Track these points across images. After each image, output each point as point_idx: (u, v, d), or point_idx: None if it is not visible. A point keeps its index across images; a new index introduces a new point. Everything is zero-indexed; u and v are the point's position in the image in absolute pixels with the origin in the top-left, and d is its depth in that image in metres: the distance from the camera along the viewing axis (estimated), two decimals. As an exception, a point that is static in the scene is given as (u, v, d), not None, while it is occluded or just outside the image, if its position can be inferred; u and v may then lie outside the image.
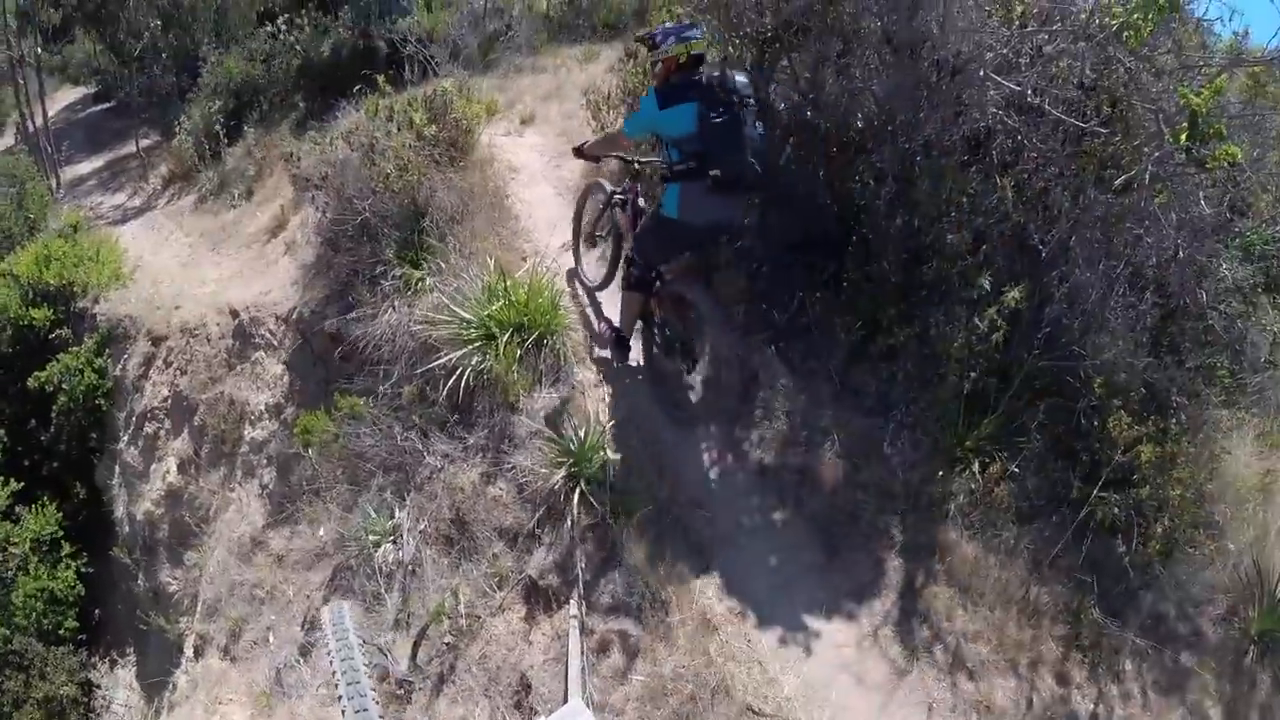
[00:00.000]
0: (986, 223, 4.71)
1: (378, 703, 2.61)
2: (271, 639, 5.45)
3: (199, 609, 5.99)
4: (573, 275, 5.53)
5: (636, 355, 4.90)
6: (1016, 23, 4.70)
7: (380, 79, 6.93)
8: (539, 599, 4.44)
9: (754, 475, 4.65)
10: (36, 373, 7.56)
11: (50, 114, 13.29)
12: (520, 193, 6.30)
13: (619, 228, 4.91)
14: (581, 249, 5.57)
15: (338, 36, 10.04)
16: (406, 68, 8.18)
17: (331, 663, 2.76)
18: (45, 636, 6.93)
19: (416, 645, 4.48)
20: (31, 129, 12.76)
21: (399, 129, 6.00)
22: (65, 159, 12.48)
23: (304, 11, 10.42)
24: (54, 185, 11.59)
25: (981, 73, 4.53)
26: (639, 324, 4.73)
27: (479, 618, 4.46)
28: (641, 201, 4.73)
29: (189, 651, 6.13)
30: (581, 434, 4.50)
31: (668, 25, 4.24)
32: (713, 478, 4.65)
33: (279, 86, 10.09)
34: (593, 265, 5.57)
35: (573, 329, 4.99)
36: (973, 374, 4.44)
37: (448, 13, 9.58)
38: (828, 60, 5.20)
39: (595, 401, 4.78)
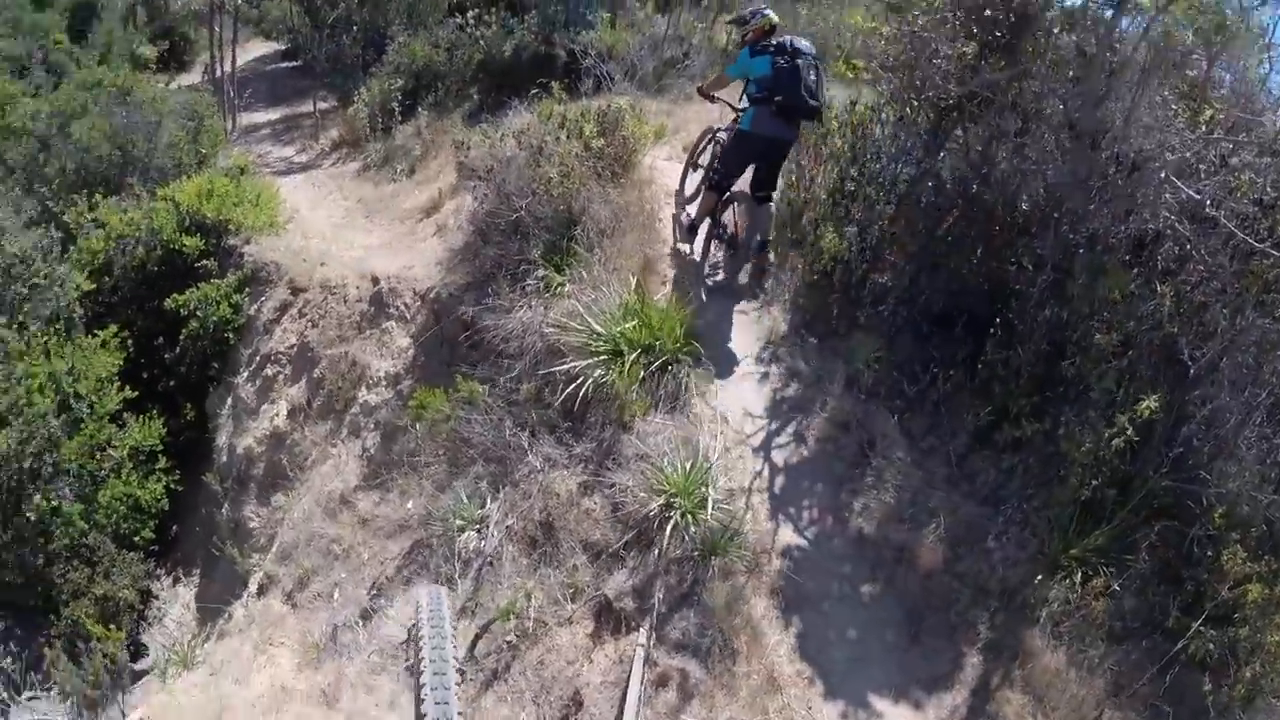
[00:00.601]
0: (1138, 328, 4.54)
1: (459, 698, 2.57)
2: (336, 595, 5.54)
3: (273, 550, 6.12)
4: (676, 193, 6.66)
5: (699, 244, 6.08)
6: (1203, 128, 4.57)
7: (555, 85, 7.20)
8: (609, 619, 4.40)
9: (852, 542, 4.53)
10: (176, 295, 7.87)
11: (238, 62, 14.00)
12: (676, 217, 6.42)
13: (714, 156, 6.13)
14: (688, 174, 6.67)
15: (521, 38, 10.38)
16: (582, 79, 8.41)
17: (421, 647, 2.73)
18: (120, 540, 7.12)
19: (478, 637, 4.50)
20: (219, 73, 13.59)
21: (568, 137, 6.20)
22: (244, 106, 13.18)
23: (493, 10, 10.86)
24: (230, 127, 12.21)
25: (1161, 174, 4.40)
26: (707, 221, 5.94)
27: (546, 624, 4.45)
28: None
29: (253, 588, 6.25)
30: (688, 466, 4.49)
31: (749, 9, 5.81)
32: (809, 537, 4.55)
33: (457, 76, 10.40)
34: (690, 184, 6.55)
35: (701, 360, 5.00)
36: (1094, 482, 4.26)
37: (629, 33, 9.80)
38: (1004, 136, 5.13)
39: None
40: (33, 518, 6.73)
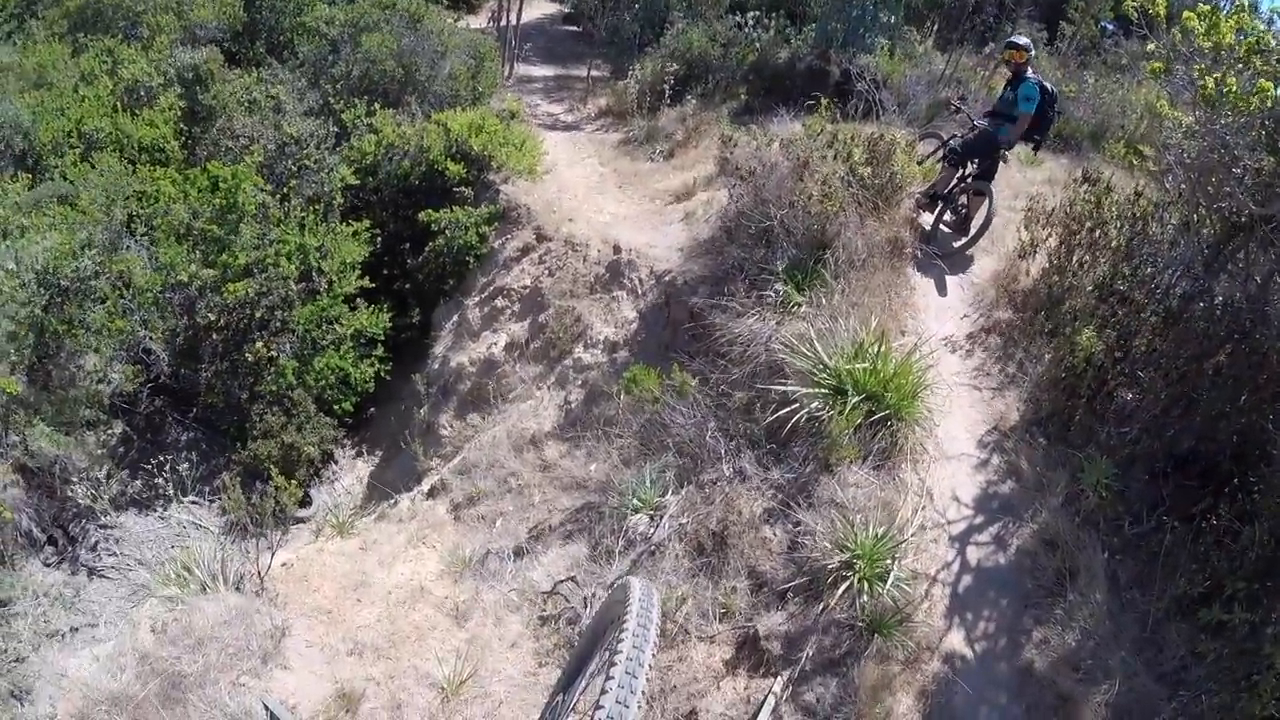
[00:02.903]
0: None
1: (641, 707, 2.33)
2: (498, 524, 5.53)
3: (455, 461, 6.20)
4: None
5: (932, 216, 6.52)
6: None
7: (824, 101, 6.85)
8: (751, 654, 4.10)
9: (1018, 672, 4.00)
10: (430, 211, 8.10)
11: (523, 17, 14.27)
12: (927, 266, 6.00)
13: (956, 140, 6.60)
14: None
15: (797, 48, 10.06)
16: (852, 100, 7.99)
17: (622, 637, 2.50)
18: (321, 404, 7.49)
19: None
20: (504, 22, 13.95)
21: (835, 158, 5.82)
22: (522, 57, 13.50)
23: (773, 15, 10.54)
24: (506, 74, 12.53)
25: None
26: (939, 203, 6.49)
27: (688, 634, 4.21)
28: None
29: (425, 487, 6.39)
30: (880, 532, 4.11)
31: (1017, 38, 6.39)
32: (977, 651, 4.06)
33: (729, 73, 10.16)
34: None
35: (924, 431, 4.57)
36: (1285, 700, 3.50)
37: (907, 65, 9.27)
38: (1295, 273, 4.32)
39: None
40: (250, 359, 7.19)
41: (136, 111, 9.10)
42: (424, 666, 4.46)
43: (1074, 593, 4.13)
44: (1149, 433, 4.54)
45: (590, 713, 2.26)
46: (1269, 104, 4.25)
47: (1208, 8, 4.55)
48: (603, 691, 2.30)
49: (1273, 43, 4.45)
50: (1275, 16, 4.76)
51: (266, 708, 4.09)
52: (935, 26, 10.65)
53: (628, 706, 2.27)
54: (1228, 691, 3.74)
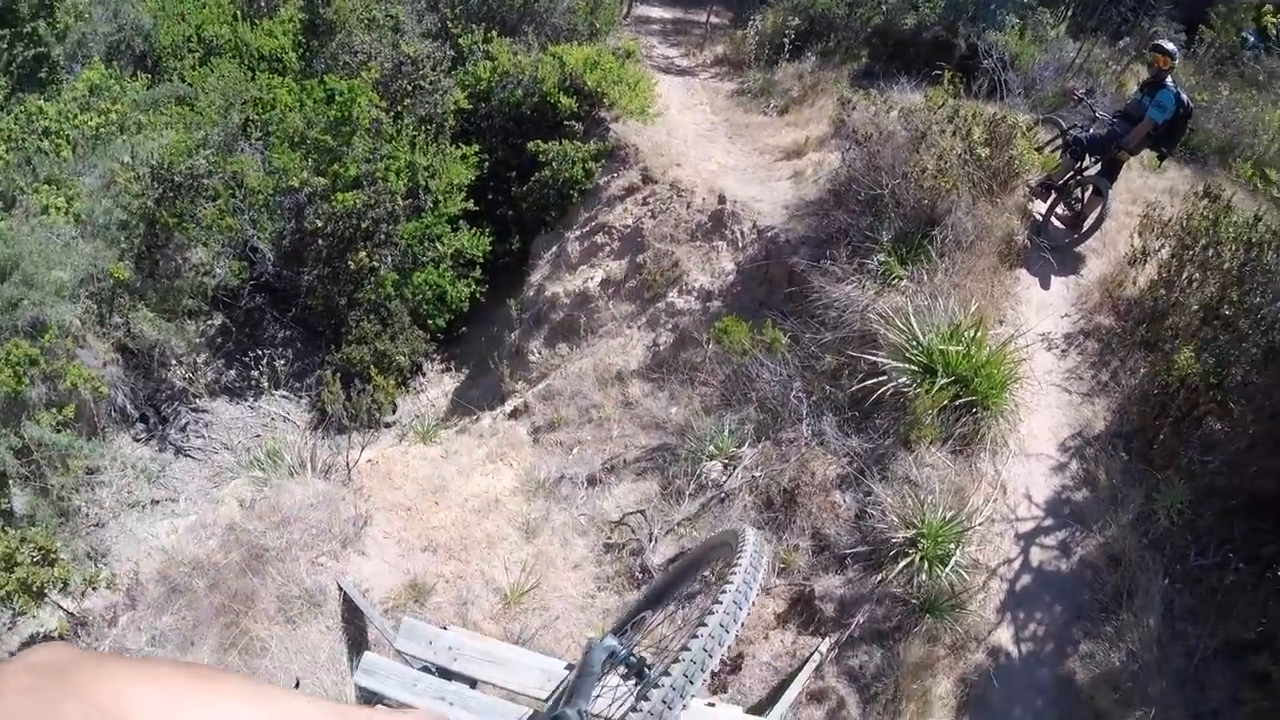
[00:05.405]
0: None
1: (735, 638, 2.42)
2: (575, 452, 5.72)
3: (540, 386, 6.40)
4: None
5: (1045, 206, 6.30)
6: None
7: (948, 74, 6.59)
8: (803, 612, 4.20)
9: (1057, 681, 4.01)
10: (539, 141, 8.08)
11: None
12: (1034, 258, 5.80)
13: (1081, 132, 6.31)
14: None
15: (924, 16, 9.67)
16: (976, 77, 7.66)
17: (726, 583, 2.59)
18: (416, 317, 7.75)
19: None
20: None
21: (954, 134, 5.63)
22: None
23: (904, -19, 10.10)
24: (625, 12, 12.27)
25: None
26: (1053, 193, 6.31)
27: (746, 583, 4.36)
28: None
29: (508, 408, 6.61)
30: (949, 516, 4.12)
31: (1161, 42, 6.02)
32: (1022, 651, 4.06)
33: (852, 33, 9.86)
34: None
35: (1007, 424, 4.51)
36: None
37: (1038, 48, 8.82)
38: None
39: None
40: (352, 267, 7.45)
41: (256, 21, 9.26)
42: (490, 572, 4.71)
43: (1128, 613, 4.09)
44: (1231, 466, 4.41)
45: (690, 628, 2.38)
46: None
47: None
48: (698, 626, 2.38)
49: None
50: None
51: (340, 588, 4.39)
52: (1070, 11, 10.01)
53: (711, 657, 2.37)
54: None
